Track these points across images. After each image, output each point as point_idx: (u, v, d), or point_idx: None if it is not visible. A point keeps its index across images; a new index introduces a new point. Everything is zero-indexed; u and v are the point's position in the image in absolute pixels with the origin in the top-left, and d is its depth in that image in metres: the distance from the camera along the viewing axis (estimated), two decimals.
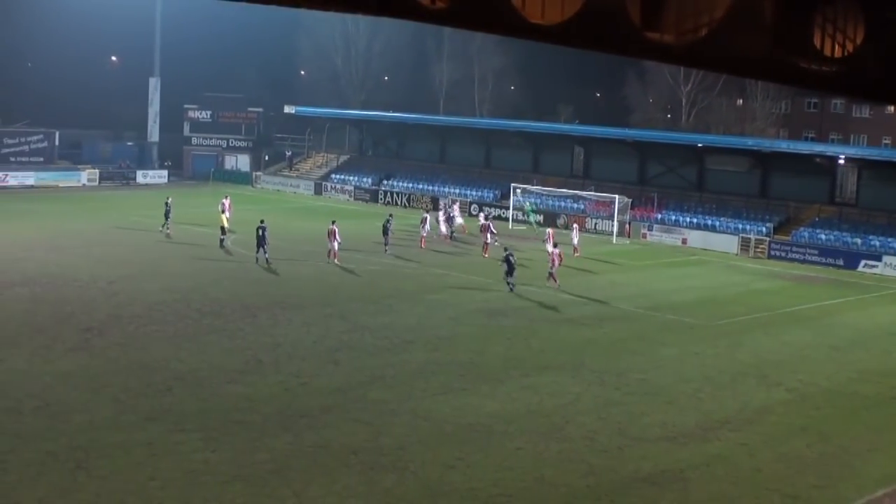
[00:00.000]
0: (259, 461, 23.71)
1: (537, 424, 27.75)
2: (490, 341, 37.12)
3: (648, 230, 70.59)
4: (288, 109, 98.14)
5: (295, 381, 30.81)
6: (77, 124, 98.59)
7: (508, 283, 45.83)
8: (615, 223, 69.69)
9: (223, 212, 57.76)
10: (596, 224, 72.42)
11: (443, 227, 63.38)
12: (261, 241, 49.33)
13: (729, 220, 68.69)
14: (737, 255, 64.74)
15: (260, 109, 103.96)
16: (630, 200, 72.32)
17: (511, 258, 46.25)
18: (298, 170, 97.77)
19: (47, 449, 23.78)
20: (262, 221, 49.78)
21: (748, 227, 67.24)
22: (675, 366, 35.18)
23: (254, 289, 44.66)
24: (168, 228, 58.34)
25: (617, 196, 70.29)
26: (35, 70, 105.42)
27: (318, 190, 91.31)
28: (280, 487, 22.30)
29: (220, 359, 32.85)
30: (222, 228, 55.52)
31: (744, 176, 72.58)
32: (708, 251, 65.42)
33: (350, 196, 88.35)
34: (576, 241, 59.28)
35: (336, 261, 49.91)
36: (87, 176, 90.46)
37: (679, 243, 67.81)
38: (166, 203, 59.13)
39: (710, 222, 69.24)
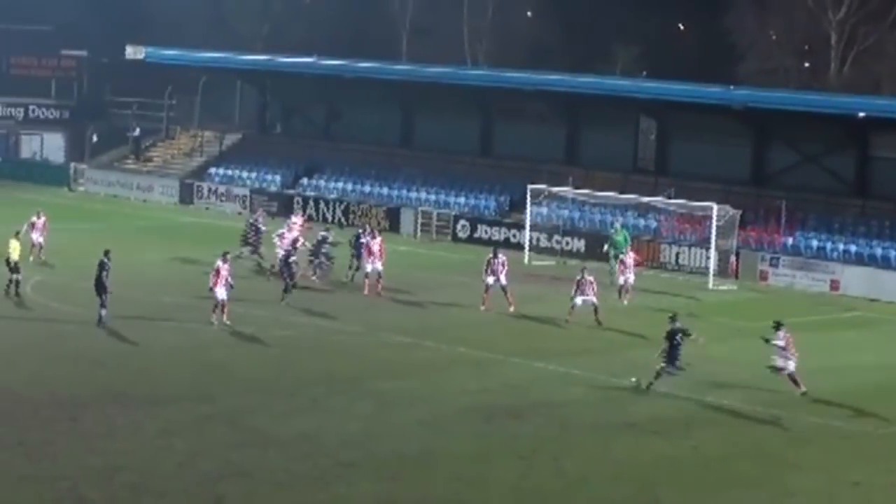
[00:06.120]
0: None
1: None
2: (492, 464, 27.37)
3: (771, 266, 53.89)
4: (132, 53, 71.00)
5: None
6: None
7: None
8: (713, 255, 53.03)
9: (21, 234, 44.11)
10: (678, 255, 54.86)
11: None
12: (100, 288, 40.05)
13: None
14: None
15: (83, 52, 78.27)
16: (738, 213, 54.31)
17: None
18: (151, 160, 72.63)
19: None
20: (106, 254, 40.36)
21: None
22: None
23: (76, 369, 34.33)
24: None
25: (715, 206, 52.89)
26: None
27: (187, 195, 67.30)
28: None
29: (9, 499, 24.35)
30: (9, 263, 42.14)
31: None
32: (876, 303, 49.77)
33: (243, 205, 64.45)
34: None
35: (226, 319, 39.62)
36: None
37: (826, 289, 51.89)
38: None
39: (879, 252, 52.16)
